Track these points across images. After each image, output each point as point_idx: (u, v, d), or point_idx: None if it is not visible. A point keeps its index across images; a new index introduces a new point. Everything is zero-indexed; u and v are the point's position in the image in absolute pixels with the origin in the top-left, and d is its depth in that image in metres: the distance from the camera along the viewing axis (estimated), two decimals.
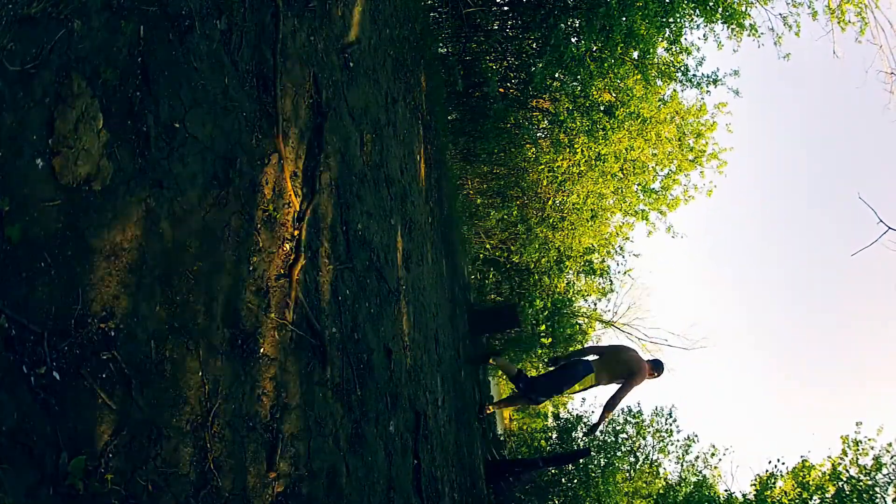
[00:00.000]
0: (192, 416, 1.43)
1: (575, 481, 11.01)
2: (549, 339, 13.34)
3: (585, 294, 16.71)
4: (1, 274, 1.04)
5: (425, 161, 5.82)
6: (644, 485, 12.08)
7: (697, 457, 12.28)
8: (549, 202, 13.74)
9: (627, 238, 15.00)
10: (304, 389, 2.01)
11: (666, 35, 9.75)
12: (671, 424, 12.68)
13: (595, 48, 9.46)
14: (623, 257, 15.47)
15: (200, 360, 1.49)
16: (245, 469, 1.60)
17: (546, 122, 12.24)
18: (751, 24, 9.90)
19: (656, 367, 6.22)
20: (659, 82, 11.23)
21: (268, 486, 1.69)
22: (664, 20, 9.11)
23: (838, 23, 9.17)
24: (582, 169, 12.33)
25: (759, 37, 10.00)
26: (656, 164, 12.98)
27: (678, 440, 12.50)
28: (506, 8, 10.70)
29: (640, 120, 11.53)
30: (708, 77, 10.96)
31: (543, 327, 12.83)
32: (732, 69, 10.91)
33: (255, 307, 1.80)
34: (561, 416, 13.96)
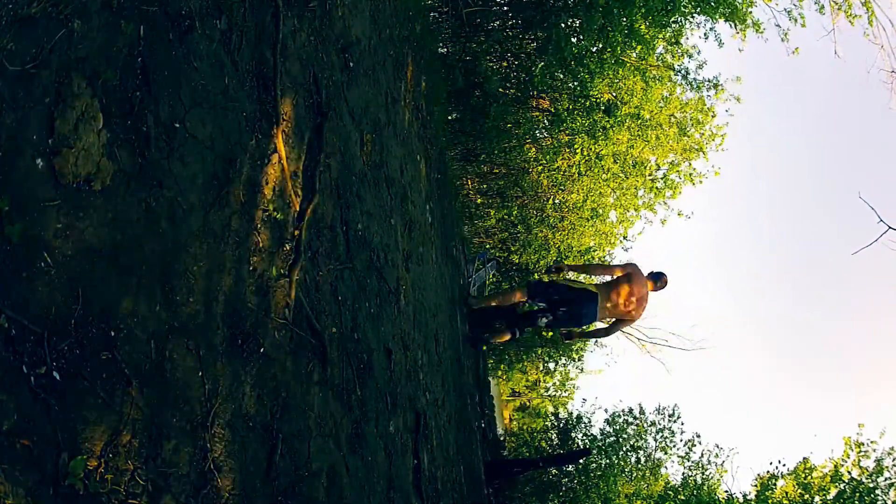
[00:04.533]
0: (192, 416, 1.43)
1: (575, 482, 11.00)
2: (550, 334, 13.30)
3: None
4: (1, 274, 1.04)
5: (425, 161, 5.82)
6: (645, 486, 12.06)
7: (702, 455, 12.23)
8: (549, 202, 13.74)
9: (628, 232, 14.91)
10: (304, 389, 2.01)
11: (666, 35, 9.74)
12: (673, 423, 12.63)
13: (595, 49, 9.46)
14: (625, 249, 15.37)
15: (200, 360, 1.49)
16: (245, 469, 1.60)
17: (546, 121, 12.23)
18: (754, 22, 9.87)
19: (658, 280, 5.83)
20: (658, 87, 11.22)
21: (268, 485, 1.69)
22: (665, 19, 9.10)
23: (846, 16, 9.13)
24: (581, 169, 12.32)
25: (763, 32, 9.97)
26: (658, 160, 12.91)
27: (680, 440, 12.47)
28: (506, 8, 10.70)
29: (639, 121, 11.53)
30: (709, 81, 10.96)
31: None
32: (734, 73, 10.96)
33: (255, 307, 1.80)
34: (561, 416, 13.96)
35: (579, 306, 5.72)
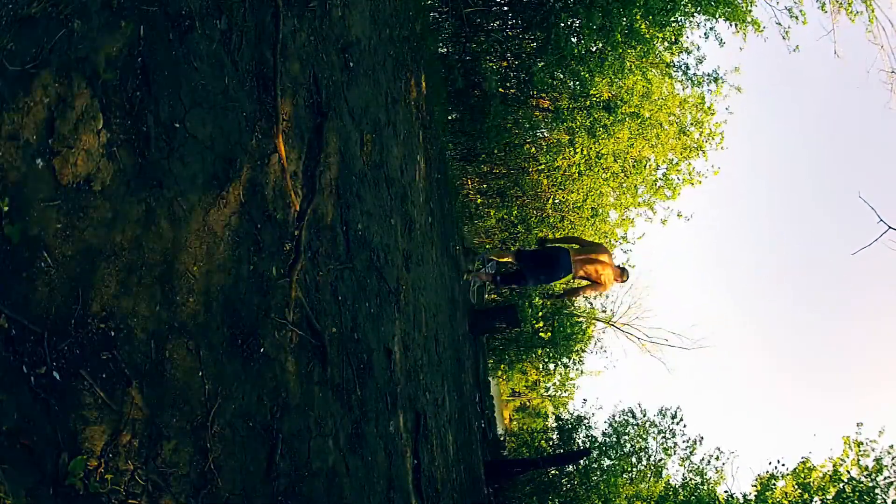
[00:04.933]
0: (192, 416, 1.43)
1: (575, 482, 11.00)
2: (549, 334, 13.31)
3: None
4: (1, 274, 1.04)
5: (425, 161, 5.82)
6: (645, 487, 12.06)
7: (703, 458, 12.23)
8: (549, 202, 13.74)
9: (628, 232, 14.87)
10: (304, 389, 2.01)
11: (667, 34, 9.74)
12: (676, 424, 12.63)
13: (595, 48, 9.46)
14: (628, 246, 15.30)
15: (200, 360, 1.49)
16: (245, 469, 1.60)
17: (546, 121, 12.23)
18: (753, 20, 9.89)
19: (623, 272, 6.99)
20: (657, 85, 11.23)
21: (268, 485, 1.69)
22: (665, 18, 9.10)
23: (847, 14, 9.13)
24: (581, 169, 12.31)
25: (762, 31, 9.98)
26: (656, 159, 12.90)
27: (682, 442, 12.46)
28: (506, 8, 10.70)
29: (639, 120, 11.52)
30: (709, 76, 10.96)
31: (542, 324, 12.82)
32: (733, 66, 10.95)
33: (255, 307, 1.80)
34: (562, 416, 13.97)
35: (556, 259, 6.85)
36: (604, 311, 18.60)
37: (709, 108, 12.29)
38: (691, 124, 12.45)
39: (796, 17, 9.88)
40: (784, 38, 10.02)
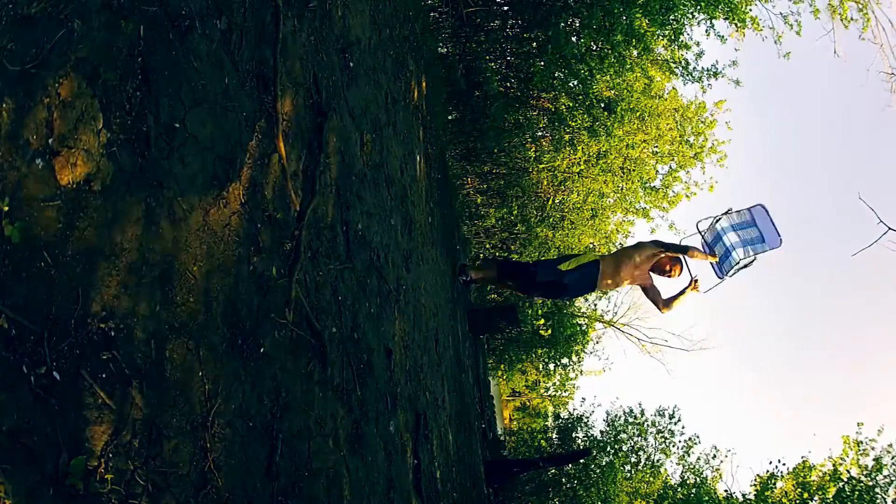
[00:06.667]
0: (192, 416, 1.43)
1: (575, 481, 11.02)
2: (549, 332, 13.32)
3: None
4: (1, 274, 1.04)
5: (425, 161, 5.82)
6: (644, 485, 12.09)
7: (699, 458, 12.28)
8: (550, 202, 13.75)
9: (628, 235, 14.94)
10: (304, 389, 2.01)
11: (667, 33, 9.75)
12: (674, 424, 12.68)
13: (595, 47, 9.47)
14: None
15: (200, 360, 1.49)
16: (245, 469, 1.60)
17: (546, 120, 12.23)
18: (752, 19, 9.92)
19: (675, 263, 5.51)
20: (659, 79, 11.26)
21: (268, 485, 1.69)
22: (665, 17, 9.11)
23: (840, 19, 9.16)
24: (582, 168, 12.33)
25: (761, 30, 10.01)
26: (657, 162, 12.97)
27: (680, 441, 12.52)
28: (506, 8, 10.70)
29: (638, 114, 11.54)
30: (708, 70, 10.99)
31: (542, 321, 12.83)
32: (731, 60, 10.95)
33: (255, 307, 1.80)
34: (561, 415, 13.99)
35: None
36: (606, 312, 18.62)
37: (712, 120, 12.38)
38: (692, 134, 12.53)
39: (791, 26, 9.91)
40: (776, 42, 10.06)
